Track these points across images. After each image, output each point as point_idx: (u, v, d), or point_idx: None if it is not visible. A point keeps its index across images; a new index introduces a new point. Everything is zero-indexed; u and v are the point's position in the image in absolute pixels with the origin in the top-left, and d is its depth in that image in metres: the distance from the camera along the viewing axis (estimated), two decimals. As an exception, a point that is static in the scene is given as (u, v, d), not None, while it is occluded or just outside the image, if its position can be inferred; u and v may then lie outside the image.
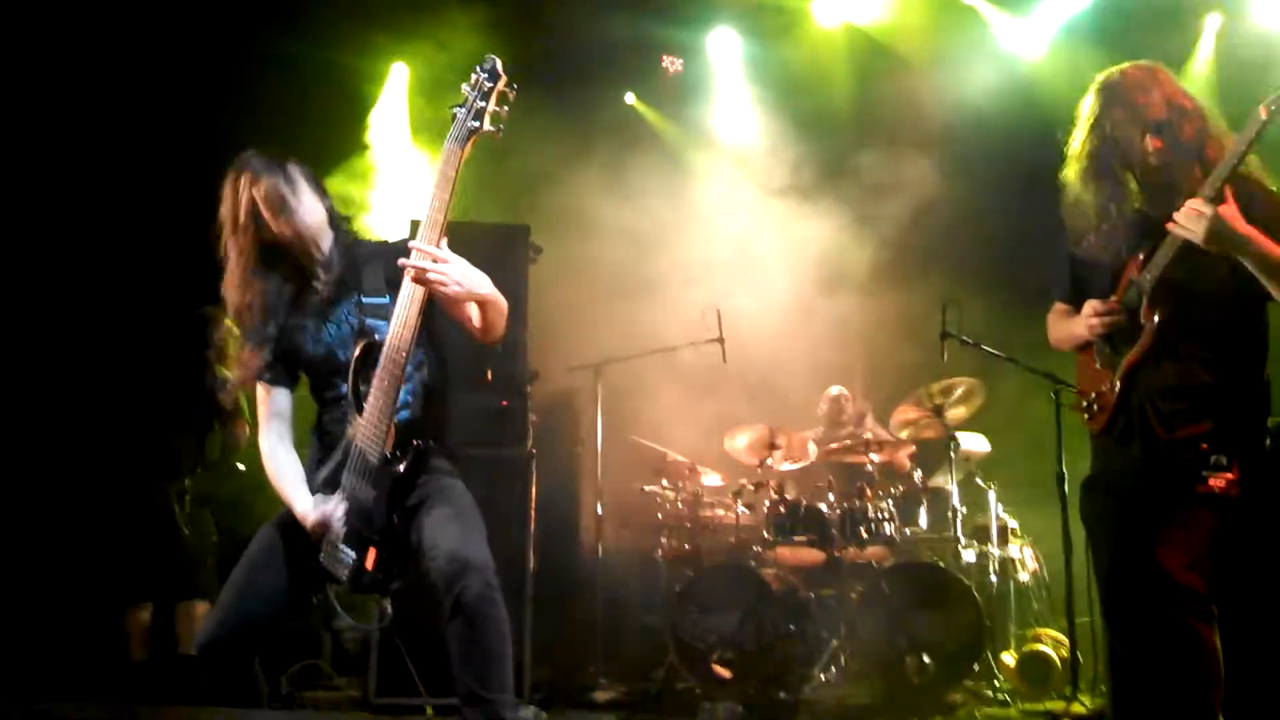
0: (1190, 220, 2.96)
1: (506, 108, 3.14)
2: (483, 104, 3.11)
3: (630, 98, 8.54)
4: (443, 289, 3.06)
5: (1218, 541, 2.99)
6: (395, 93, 8.14)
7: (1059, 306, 3.50)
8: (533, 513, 5.36)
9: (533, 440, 5.51)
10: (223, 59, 6.88)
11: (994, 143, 7.31)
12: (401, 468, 3.13)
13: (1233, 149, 2.96)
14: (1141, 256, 3.16)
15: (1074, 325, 3.33)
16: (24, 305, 6.27)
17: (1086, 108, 3.24)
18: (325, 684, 5.67)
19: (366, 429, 3.13)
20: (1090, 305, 3.23)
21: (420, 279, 3.05)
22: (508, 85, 3.14)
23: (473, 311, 3.21)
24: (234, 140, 3.38)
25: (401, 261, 3.07)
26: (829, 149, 7.82)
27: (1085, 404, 3.31)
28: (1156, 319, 3.09)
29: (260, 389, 3.37)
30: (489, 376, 5.45)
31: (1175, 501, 3.00)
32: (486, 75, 3.13)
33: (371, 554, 3.14)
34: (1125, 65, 3.23)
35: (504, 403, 5.48)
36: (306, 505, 3.20)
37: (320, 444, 3.34)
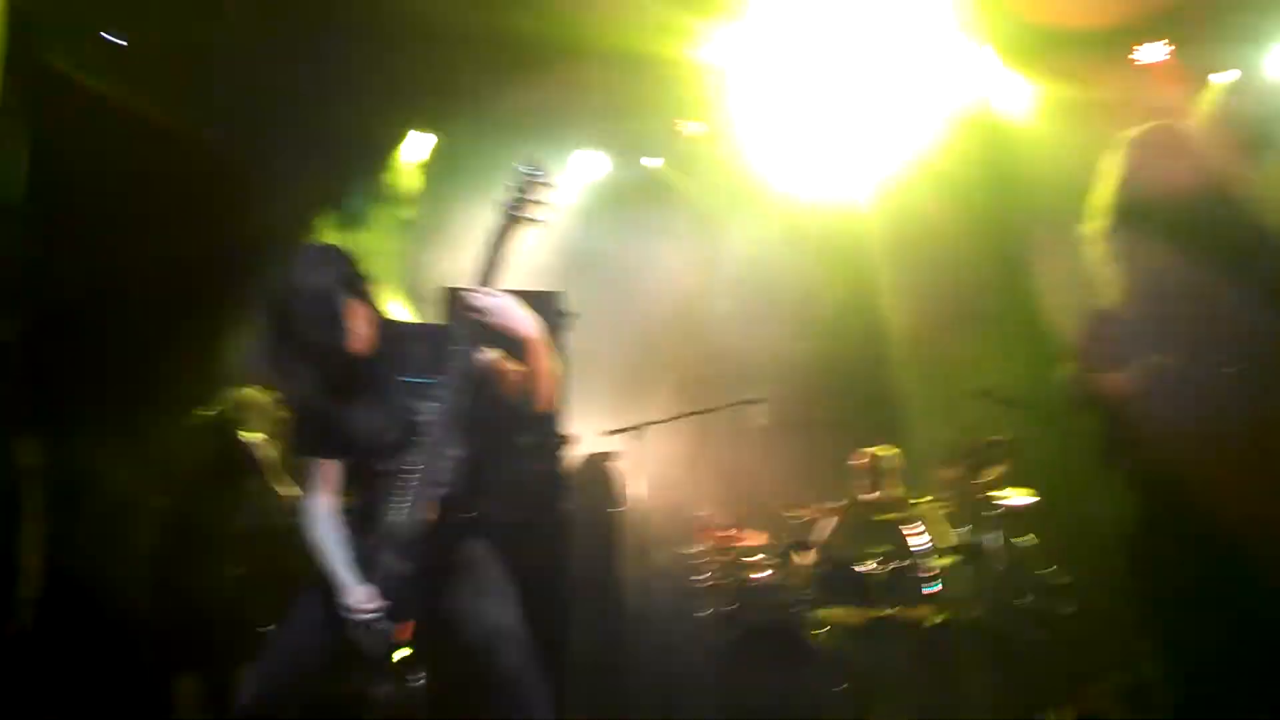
0: None
1: (545, 202, 3.34)
2: (525, 198, 3.31)
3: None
4: (488, 319, 3.18)
5: None
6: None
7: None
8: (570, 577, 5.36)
9: (569, 505, 5.52)
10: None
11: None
12: (438, 543, 3.18)
13: None
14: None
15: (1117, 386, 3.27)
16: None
17: (1120, 162, 3.27)
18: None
19: (406, 507, 3.19)
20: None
21: (469, 307, 3.19)
22: (548, 182, 3.34)
23: (521, 376, 3.32)
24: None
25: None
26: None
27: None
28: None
29: (314, 460, 3.44)
30: (526, 442, 5.49)
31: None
32: (532, 171, 3.34)
33: (408, 628, 3.18)
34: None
35: (539, 467, 5.51)
36: (349, 578, 3.25)
37: (359, 520, 3.40)
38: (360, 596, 3.18)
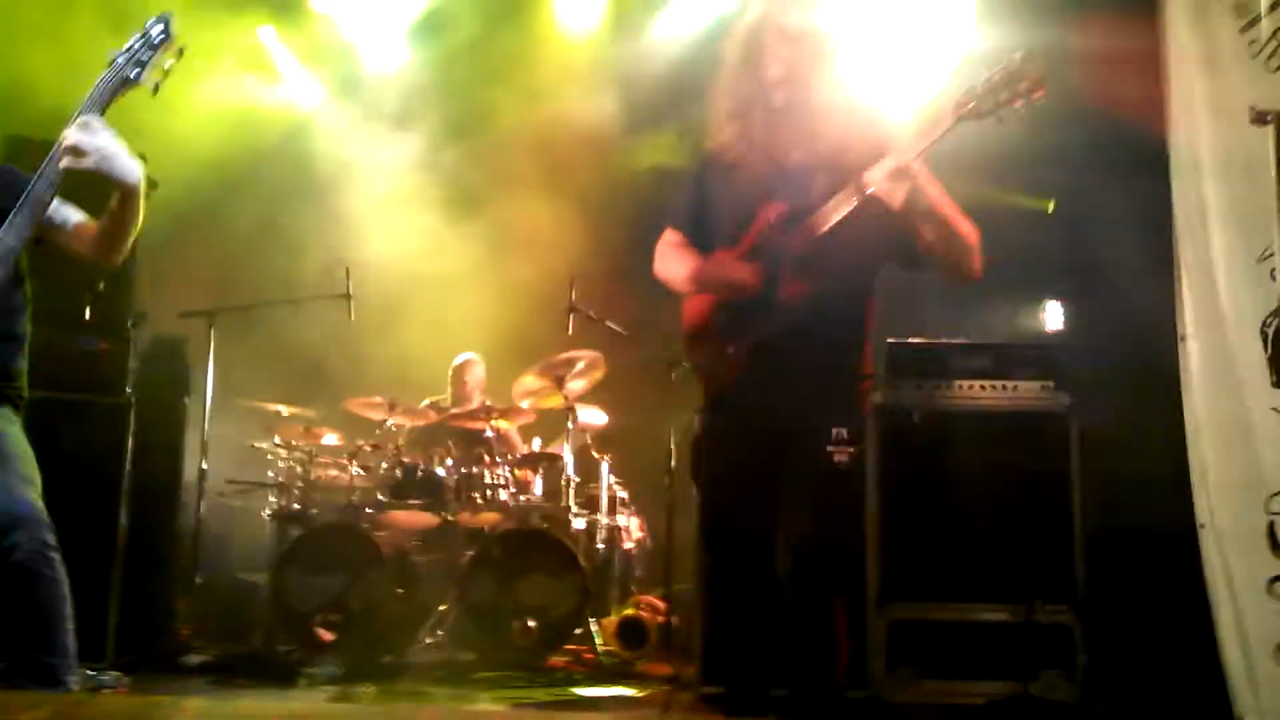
0: (892, 178, 2.89)
1: (167, 69, 2.99)
2: (148, 56, 2.95)
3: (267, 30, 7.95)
4: (87, 160, 2.83)
5: (841, 508, 3.14)
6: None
7: (674, 237, 3.33)
8: (127, 465, 4.99)
9: (133, 389, 5.12)
10: None
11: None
12: None
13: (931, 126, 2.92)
14: (779, 209, 3.08)
15: (695, 265, 3.18)
16: None
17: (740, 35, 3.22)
18: None
19: None
20: (727, 264, 3.09)
21: (70, 146, 2.83)
22: (177, 49, 2.99)
23: (92, 230, 2.99)
24: None
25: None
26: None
27: (700, 361, 3.25)
28: (794, 294, 3.03)
29: None
30: (87, 315, 5.01)
31: (805, 474, 3.04)
32: (161, 31, 2.98)
33: None
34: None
35: (102, 345, 5.05)
36: None
37: None
38: None
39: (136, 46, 2.96)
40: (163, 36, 2.98)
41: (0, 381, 3.02)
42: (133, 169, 2.93)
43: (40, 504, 2.89)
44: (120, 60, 2.96)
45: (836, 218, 2.97)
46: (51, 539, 2.86)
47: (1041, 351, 5.05)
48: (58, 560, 2.86)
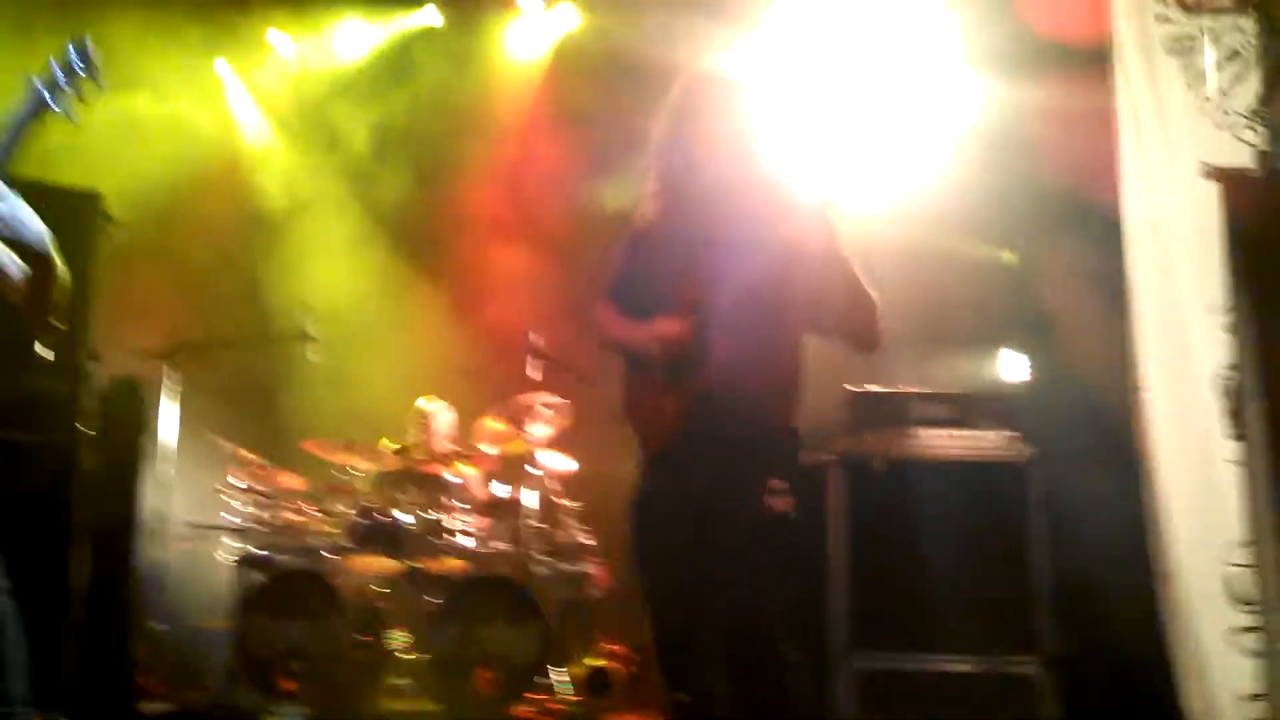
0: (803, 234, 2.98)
1: (88, 98, 2.91)
2: (67, 87, 2.86)
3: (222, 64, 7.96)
4: None
5: (782, 558, 3.12)
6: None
7: (607, 308, 3.36)
8: (79, 508, 4.90)
9: (91, 428, 5.04)
10: None
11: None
12: None
13: None
14: (708, 271, 3.13)
15: (632, 332, 3.23)
16: None
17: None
18: None
19: None
20: (660, 328, 3.15)
21: None
22: (98, 78, 2.90)
23: (20, 275, 2.88)
24: None
25: None
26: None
27: (639, 421, 3.29)
28: (726, 349, 3.08)
29: None
30: (38, 353, 4.93)
31: (748, 523, 3.06)
32: (78, 56, 2.88)
33: None
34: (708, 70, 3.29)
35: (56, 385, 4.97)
36: None
37: None
38: None
39: (56, 75, 2.87)
40: (80, 64, 2.90)
41: None
42: (40, 234, 2.86)
43: None
44: (37, 84, 2.86)
45: (753, 270, 3.04)
46: (3, 583, 2.80)
47: (1003, 402, 5.10)
48: (9, 606, 2.80)
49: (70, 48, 2.89)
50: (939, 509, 4.82)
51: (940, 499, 4.83)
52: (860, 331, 3.17)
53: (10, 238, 2.79)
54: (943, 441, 4.98)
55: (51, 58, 2.87)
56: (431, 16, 7.80)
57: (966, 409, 5.05)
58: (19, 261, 2.86)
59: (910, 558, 4.75)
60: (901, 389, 5.12)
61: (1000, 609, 4.66)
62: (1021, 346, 6.14)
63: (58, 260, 2.90)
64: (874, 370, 5.20)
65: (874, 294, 3.11)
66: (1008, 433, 4.96)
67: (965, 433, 4.99)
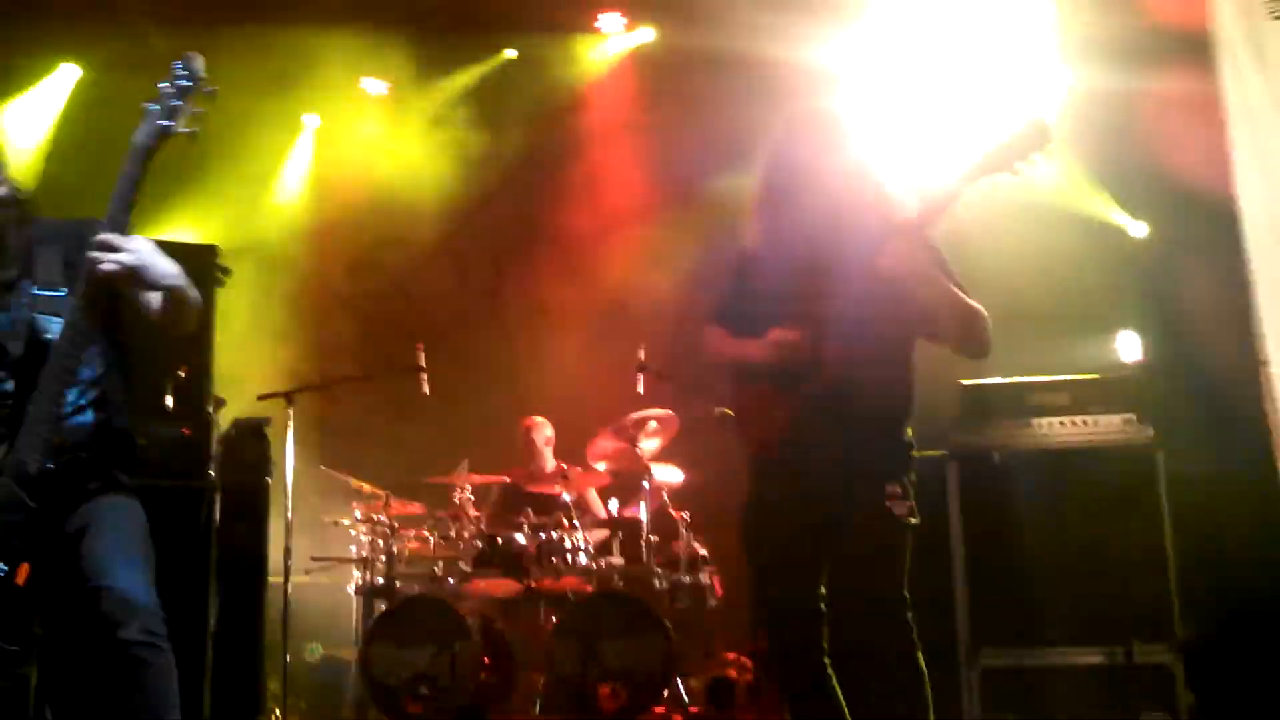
0: (901, 260, 3.04)
1: (203, 110, 2.92)
2: (178, 103, 2.89)
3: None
4: (117, 278, 2.81)
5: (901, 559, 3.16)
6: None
7: (715, 330, 3.46)
8: (214, 549, 5.07)
9: (216, 472, 5.22)
10: None
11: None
12: (65, 480, 2.88)
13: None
14: (817, 285, 3.22)
15: (746, 348, 3.32)
16: None
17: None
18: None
19: (26, 434, 2.85)
20: (777, 335, 3.23)
21: (93, 271, 2.79)
22: (208, 88, 2.93)
23: (155, 301, 2.98)
24: None
25: (89, 255, 2.80)
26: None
27: (750, 429, 3.34)
28: (839, 355, 3.15)
29: None
30: (170, 403, 5.13)
31: (873, 528, 3.12)
32: (185, 74, 2.91)
33: (24, 570, 2.85)
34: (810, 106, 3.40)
35: (185, 431, 5.17)
36: None
37: None
38: None
39: (167, 95, 2.89)
40: (188, 80, 2.91)
41: (126, 458, 3.07)
42: (168, 271, 2.91)
43: (152, 589, 2.92)
44: (152, 110, 2.89)
45: (859, 296, 3.12)
46: (162, 629, 2.88)
47: (1121, 385, 4.96)
48: (167, 649, 2.88)
49: (177, 66, 2.93)
50: (1061, 499, 4.72)
51: (1061, 488, 4.73)
52: (968, 340, 3.22)
53: (150, 283, 2.90)
54: (1061, 430, 4.87)
55: (160, 84, 2.90)
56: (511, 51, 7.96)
57: (1084, 395, 4.93)
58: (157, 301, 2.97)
59: (1033, 550, 4.65)
60: (1016, 379, 5.03)
61: (1129, 597, 4.53)
62: (1139, 326, 6.00)
63: (191, 291, 3.00)
64: (987, 361, 5.12)
65: (976, 305, 3.15)
66: (1128, 416, 4.84)
67: (1084, 419, 4.87)
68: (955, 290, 3.14)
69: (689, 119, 7.29)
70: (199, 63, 2.95)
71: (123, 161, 2.90)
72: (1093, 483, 4.70)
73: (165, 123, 2.89)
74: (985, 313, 3.17)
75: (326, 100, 8.01)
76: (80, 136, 7.40)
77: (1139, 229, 6.29)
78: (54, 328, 2.89)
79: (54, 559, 2.85)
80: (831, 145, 3.29)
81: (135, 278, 2.86)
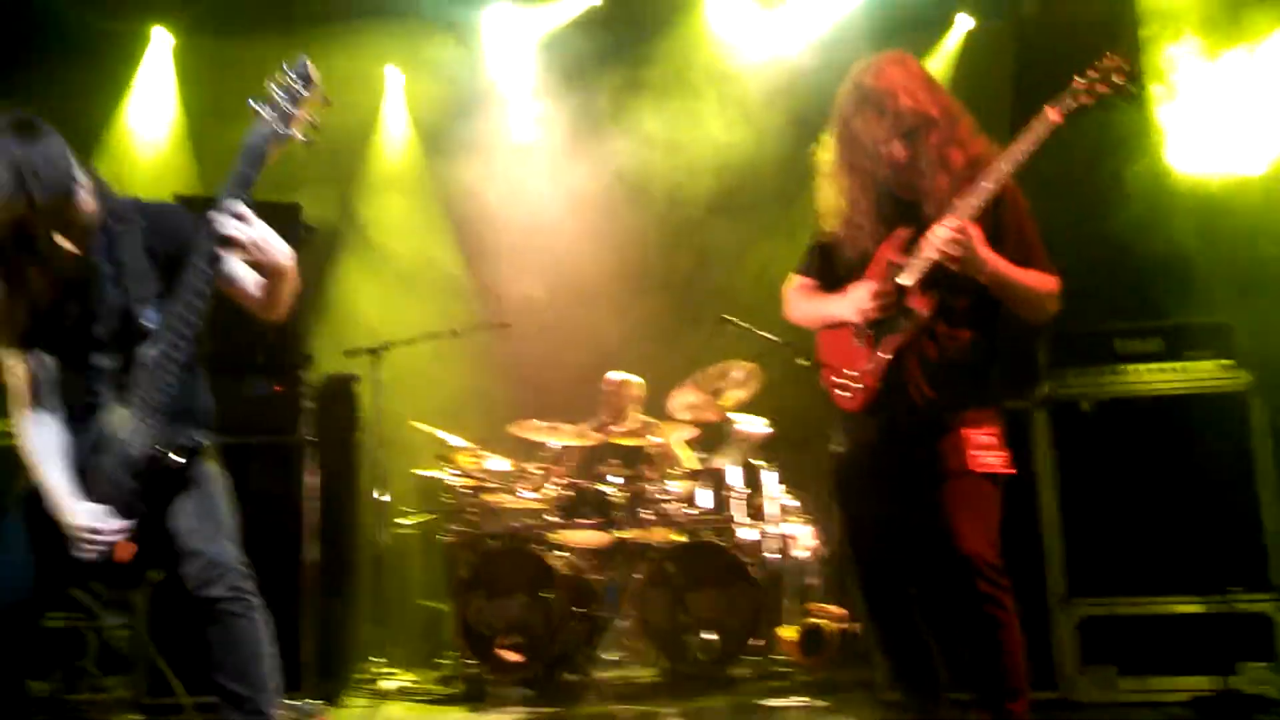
0: (950, 246, 3.06)
1: (318, 117, 2.98)
2: (293, 110, 2.94)
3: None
4: (244, 253, 2.91)
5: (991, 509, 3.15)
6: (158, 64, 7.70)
7: (802, 282, 3.52)
8: (308, 502, 5.20)
9: (308, 427, 5.34)
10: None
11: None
12: (168, 459, 2.97)
13: (1007, 157, 3.10)
14: (902, 237, 3.24)
15: (830, 305, 3.36)
16: None
17: (841, 101, 3.30)
18: (92, 685, 5.36)
19: (130, 415, 2.95)
20: (864, 288, 3.25)
21: (219, 235, 2.86)
22: (322, 95, 2.97)
23: (255, 286, 3.06)
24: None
25: (211, 214, 2.87)
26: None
27: (839, 382, 3.34)
28: (927, 305, 3.17)
29: (11, 356, 3.04)
30: (260, 361, 5.26)
31: (954, 477, 3.13)
32: (299, 78, 2.95)
33: (129, 549, 2.97)
34: (881, 60, 3.27)
35: (277, 388, 5.29)
36: (72, 501, 2.97)
37: (79, 428, 3.09)
38: (83, 515, 2.93)
39: (280, 99, 2.94)
40: (302, 86, 2.95)
41: (202, 422, 3.15)
42: (284, 252, 2.98)
43: (238, 551, 3.02)
44: (266, 114, 2.93)
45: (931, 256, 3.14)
46: (249, 585, 2.99)
47: (1215, 328, 4.83)
48: (256, 603, 3.00)
49: (287, 70, 2.96)
50: (1154, 447, 4.62)
51: (1154, 436, 4.64)
52: (1031, 311, 3.23)
53: (257, 259, 2.97)
54: (1153, 376, 4.77)
55: (270, 83, 2.94)
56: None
57: (1176, 339, 4.81)
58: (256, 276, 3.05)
59: (1126, 499, 4.57)
60: (1104, 326, 4.92)
61: (1228, 545, 4.44)
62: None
63: (293, 272, 3.07)
64: (1074, 307, 5.01)
65: (1035, 280, 3.18)
66: (1222, 361, 4.71)
67: (1176, 365, 4.76)
68: (1011, 275, 3.13)
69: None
70: (309, 68, 2.98)
71: (234, 159, 2.94)
72: (1188, 430, 4.59)
73: (283, 130, 2.94)
74: (1050, 282, 3.19)
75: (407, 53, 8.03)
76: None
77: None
78: (142, 307, 2.97)
79: (152, 530, 2.97)
80: (916, 105, 3.19)
81: (257, 248, 2.93)
